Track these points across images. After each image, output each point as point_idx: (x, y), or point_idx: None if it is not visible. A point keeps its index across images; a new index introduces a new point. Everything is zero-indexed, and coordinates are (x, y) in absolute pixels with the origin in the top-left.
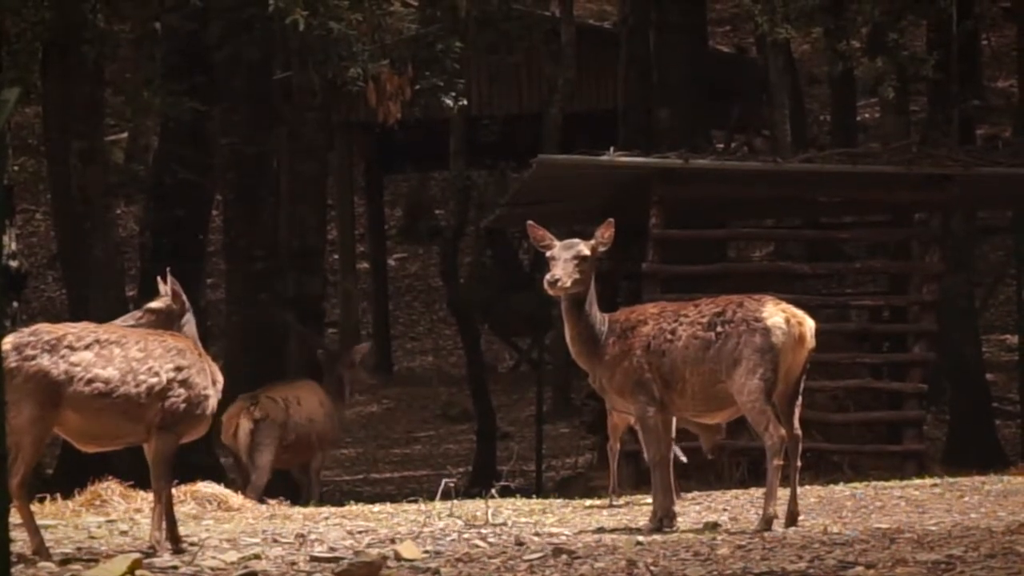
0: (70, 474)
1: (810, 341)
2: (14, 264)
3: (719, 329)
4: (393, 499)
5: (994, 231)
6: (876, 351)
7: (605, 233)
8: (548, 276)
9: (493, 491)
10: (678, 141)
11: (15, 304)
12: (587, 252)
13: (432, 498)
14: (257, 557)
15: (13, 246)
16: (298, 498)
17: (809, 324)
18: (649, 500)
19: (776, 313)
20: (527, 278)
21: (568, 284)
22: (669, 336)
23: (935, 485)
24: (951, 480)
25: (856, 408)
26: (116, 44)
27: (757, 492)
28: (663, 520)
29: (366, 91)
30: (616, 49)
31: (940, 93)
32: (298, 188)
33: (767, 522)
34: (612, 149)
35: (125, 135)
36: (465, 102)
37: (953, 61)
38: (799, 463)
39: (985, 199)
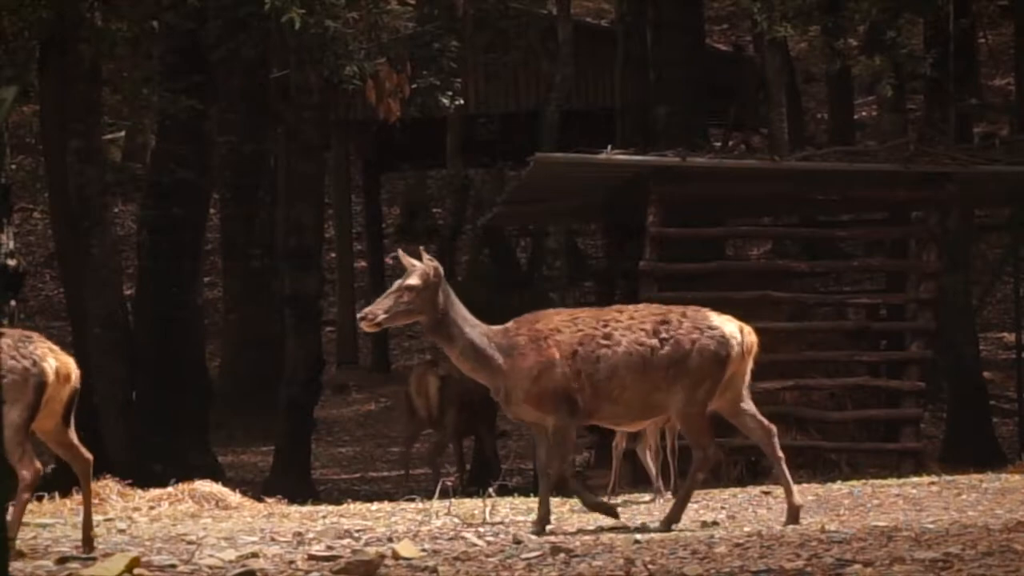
0: (68, 473)
1: (755, 352)
2: (12, 263)
3: (665, 336)
4: (391, 498)
5: (991, 229)
6: (874, 349)
7: (428, 261)
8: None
9: (491, 490)
10: (675, 139)
11: (13, 303)
12: (415, 282)
13: (430, 497)
14: (255, 555)
15: (11, 245)
16: (296, 497)
17: (753, 336)
18: (646, 498)
19: (728, 322)
20: (524, 276)
21: (380, 319)
22: (604, 342)
23: (933, 483)
24: (949, 478)
25: (853, 406)
26: (113, 43)
27: (755, 491)
28: (541, 525)
29: (365, 89)
30: (613, 47)
31: (937, 91)
32: (295, 187)
33: (668, 523)
34: (609, 147)
35: (123, 134)
36: (462, 101)
37: (950, 59)
38: (781, 453)
39: (982, 197)
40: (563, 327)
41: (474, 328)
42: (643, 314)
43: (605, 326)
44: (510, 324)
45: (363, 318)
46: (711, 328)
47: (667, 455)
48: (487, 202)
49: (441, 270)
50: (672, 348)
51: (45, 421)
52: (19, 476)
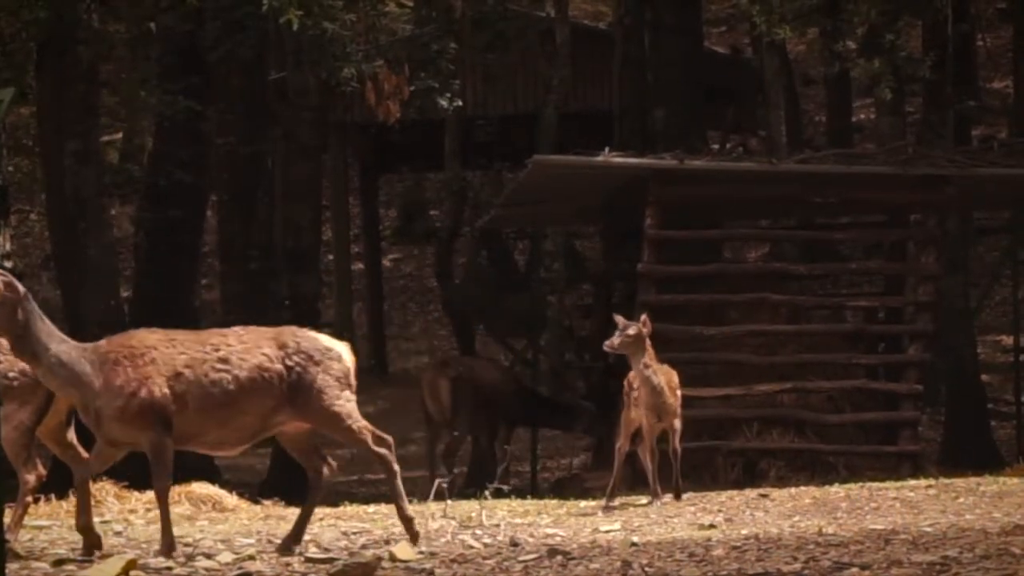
0: (64, 475)
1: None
2: (8, 264)
3: (289, 362)
4: (388, 500)
5: (990, 232)
6: (872, 352)
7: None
8: None
9: (487, 492)
10: (674, 142)
11: None
12: None
13: (426, 499)
14: (252, 558)
15: (8, 246)
16: (293, 499)
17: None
18: (643, 501)
19: (336, 341)
20: (522, 279)
21: None
22: (219, 367)
23: (930, 486)
24: (946, 481)
25: (852, 409)
26: (111, 44)
27: (752, 493)
28: (167, 551)
29: (365, 91)
30: (611, 49)
31: (936, 94)
32: (293, 188)
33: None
34: (607, 149)
35: (120, 135)
36: (460, 103)
37: (949, 62)
38: (397, 467)
39: (981, 200)
40: (159, 346)
41: (61, 344)
42: (255, 338)
43: (217, 350)
44: (102, 342)
45: None
46: (328, 349)
47: (669, 457)
48: (485, 204)
49: (18, 287)
50: (300, 374)
51: (48, 420)
52: (22, 479)
